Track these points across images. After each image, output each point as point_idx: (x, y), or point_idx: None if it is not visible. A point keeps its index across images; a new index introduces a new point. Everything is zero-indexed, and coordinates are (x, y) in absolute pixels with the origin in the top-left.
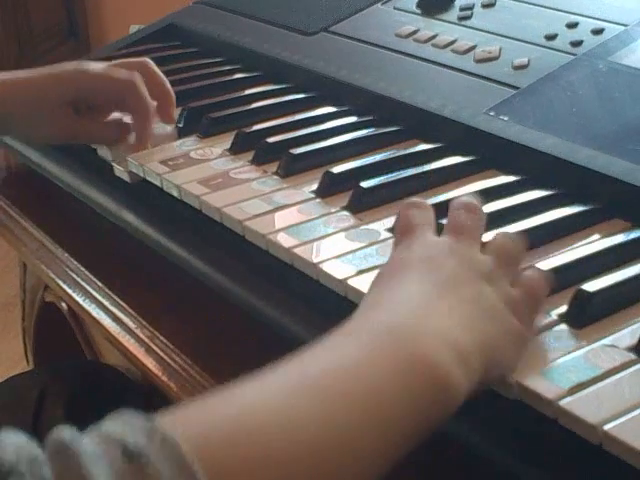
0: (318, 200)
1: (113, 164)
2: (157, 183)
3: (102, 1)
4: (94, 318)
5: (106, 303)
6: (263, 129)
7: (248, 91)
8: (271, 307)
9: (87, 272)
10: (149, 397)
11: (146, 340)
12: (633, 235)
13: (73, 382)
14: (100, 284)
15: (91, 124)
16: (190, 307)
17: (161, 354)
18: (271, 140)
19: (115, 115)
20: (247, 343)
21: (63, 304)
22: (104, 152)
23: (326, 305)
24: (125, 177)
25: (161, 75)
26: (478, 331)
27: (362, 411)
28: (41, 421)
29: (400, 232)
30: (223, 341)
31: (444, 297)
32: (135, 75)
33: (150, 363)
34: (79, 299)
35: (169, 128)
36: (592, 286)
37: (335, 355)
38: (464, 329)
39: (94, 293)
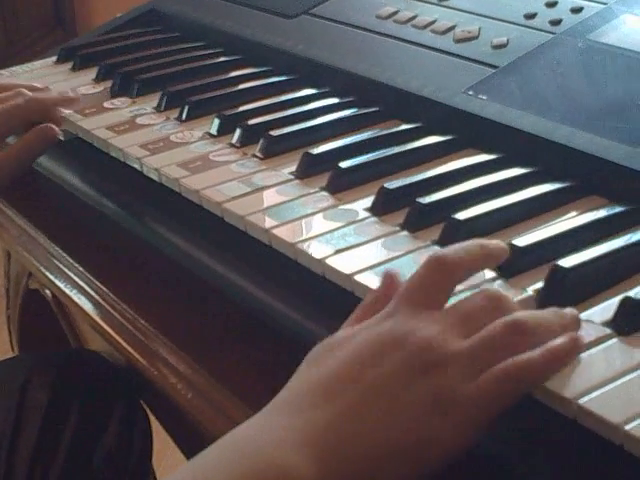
0: (297, 181)
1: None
2: (137, 166)
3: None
4: (75, 303)
5: (87, 288)
6: (243, 112)
7: (229, 74)
8: (251, 288)
9: (68, 258)
10: (132, 382)
11: (126, 324)
12: (610, 211)
13: (57, 368)
14: (81, 269)
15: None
16: (171, 291)
17: (142, 338)
18: (251, 122)
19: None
20: (228, 325)
21: (47, 291)
22: None
23: (306, 285)
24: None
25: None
26: (339, 453)
27: None
28: (25, 407)
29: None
30: (204, 324)
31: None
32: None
33: (131, 347)
34: (60, 284)
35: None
36: (568, 262)
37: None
38: (310, 448)
39: (75, 278)
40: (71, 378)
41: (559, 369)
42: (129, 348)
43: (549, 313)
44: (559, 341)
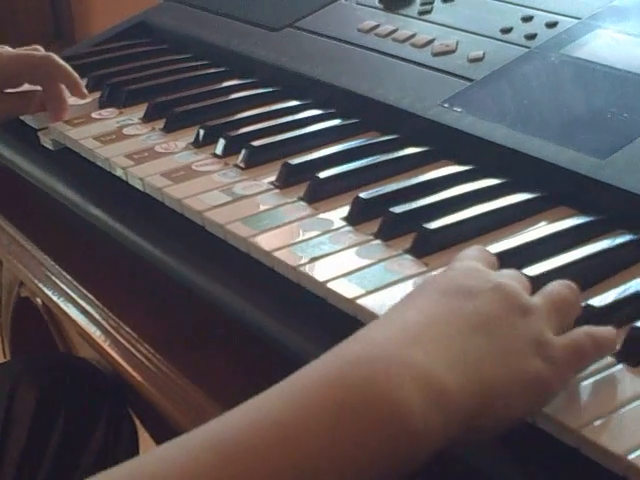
0: (277, 191)
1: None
2: (122, 176)
3: (89, 3)
4: (63, 311)
5: (74, 296)
6: (226, 123)
7: (214, 86)
8: (233, 297)
9: (57, 266)
10: (119, 389)
11: (112, 331)
12: (578, 221)
13: (45, 374)
14: (69, 277)
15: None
16: (158, 300)
17: (126, 345)
18: (234, 133)
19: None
20: (212, 334)
21: (38, 299)
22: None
23: (282, 292)
24: (48, 145)
25: (64, 63)
26: (476, 371)
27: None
28: (13, 411)
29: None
30: (188, 332)
31: (452, 324)
32: (49, 53)
33: (115, 354)
34: (49, 293)
35: (85, 101)
36: (533, 270)
37: (262, 413)
38: (454, 365)
39: (63, 286)
40: (59, 383)
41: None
42: (115, 355)
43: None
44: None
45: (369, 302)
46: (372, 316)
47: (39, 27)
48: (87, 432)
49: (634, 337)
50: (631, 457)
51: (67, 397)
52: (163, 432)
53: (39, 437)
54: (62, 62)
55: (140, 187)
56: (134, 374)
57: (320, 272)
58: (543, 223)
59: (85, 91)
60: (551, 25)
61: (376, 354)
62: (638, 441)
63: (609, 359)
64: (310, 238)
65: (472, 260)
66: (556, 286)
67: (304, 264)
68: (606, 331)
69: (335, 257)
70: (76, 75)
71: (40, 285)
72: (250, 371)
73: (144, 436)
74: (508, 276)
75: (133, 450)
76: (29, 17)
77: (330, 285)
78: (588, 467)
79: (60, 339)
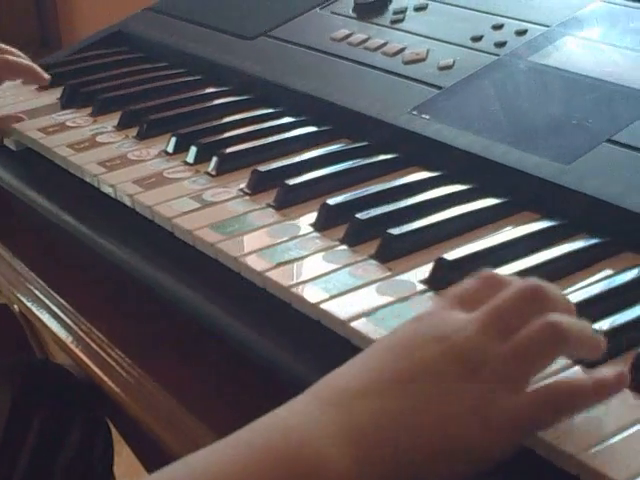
0: (246, 197)
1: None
2: (94, 184)
3: (75, 11)
4: (36, 316)
5: (46, 300)
6: (198, 130)
7: (188, 94)
8: (202, 301)
9: (30, 272)
10: (94, 395)
11: (83, 336)
12: (540, 226)
13: (20, 379)
14: (41, 282)
15: None
16: (128, 304)
17: (97, 350)
18: (205, 141)
19: None
20: (183, 338)
21: (15, 306)
22: None
23: (250, 297)
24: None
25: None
26: (389, 442)
27: None
28: None
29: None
30: (159, 337)
31: (384, 384)
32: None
33: (87, 358)
34: (24, 299)
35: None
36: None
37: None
38: (360, 438)
39: (36, 292)
40: (34, 388)
41: (604, 399)
42: (87, 360)
43: (583, 322)
44: (610, 374)
45: (332, 307)
46: (335, 321)
47: (24, 35)
48: (61, 437)
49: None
50: None
51: (41, 402)
52: (137, 437)
53: (13, 441)
54: (12, 58)
55: (112, 194)
56: (105, 379)
57: (285, 277)
58: (507, 228)
59: (44, 75)
60: (521, 33)
61: (300, 422)
62: (636, 468)
63: None
64: (277, 244)
65: (447, 301)
66: (537, 327)
67: (270, 269)
68: (586, 379)
69: (301, 262)
70: (28, 64)
71: (14, 291)
72: (220, 376)
73: (120, 442)
74: (479, 322)
75: (107, 455)
76: (14, 25)
77: (294, 290)
78: None
79: (37, 345)
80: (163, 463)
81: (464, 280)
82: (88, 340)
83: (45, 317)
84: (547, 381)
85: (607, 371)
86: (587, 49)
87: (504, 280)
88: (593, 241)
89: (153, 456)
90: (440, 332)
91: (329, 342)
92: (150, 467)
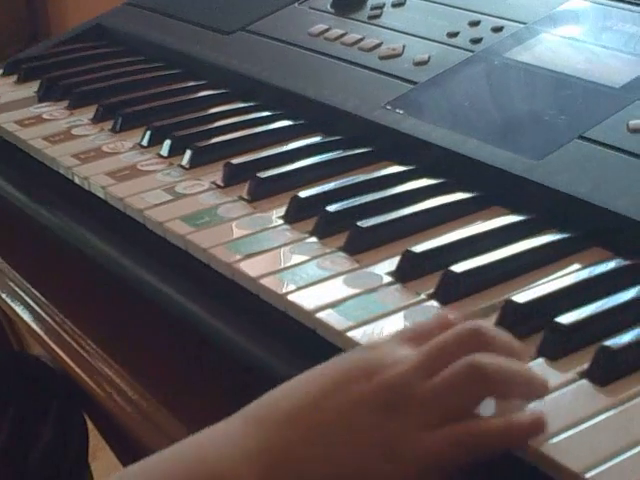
0: (218, 190)
1: None
2: (68, 175)
3: (65, 7)
4: (10, 307)
5: (20, 292)
6: (173, 124)
7: (164, 88)
8: (172, 292)
9: (4, 264)
10: (71, 387)
11: (56, 327)
12: (509, 220)
13: None
14: (17, 276)
15: None
16: (101, 295)
17: (70, 341)
18: (179, 134)
19: None
20: (157, 330)
21: None
22: None
23: (217, 288)
24: None
25: None
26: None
27: None
28: None
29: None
30: (132, 329)
31: (302, 418)
32: None
33: (64, 353)
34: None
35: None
36: (460, 267)
37: None
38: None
39: (10, 284)
40: (9, 379)
41: (516, 444)
42: (62, 354)
43: (518, 365)
44: (525, 418)
45: (299, 298)
46: (301, 311)
47: (13, 31)
48: (35, 428)
49: (604, 357)
50: (588, 475)
51: (16, 393)
52: (112, 430)
53: None
54: None
55: (85, 186)
56: (78, 371)
57: (253, 269)
58: (477, 222)
59: None
60: (497, 30)
61: (223, 435)
62: (596, 459)
63: (574, 375)
64: (246, 235)
65: (400, 336)
66: (458, 366)
67: (238, 260)
68: (499, 422)
69: (269, 254)
70: None
71: None
72: (187, 365)
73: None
74: (413, 360)
75: (82, 448)
76: (3, 20)
77: (262, 281)
78: None
79: (14, 337)
80: (138, 458)
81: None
82: (61, 332)
83: (19, 309)
84: (463, 422)
85: (523, 415)
86: (562, 46)
87: (455, 322)
88: (562, 236)
89: (128, 448)
90: (375, 368)
91: (299, 333)
92: (126, 461)
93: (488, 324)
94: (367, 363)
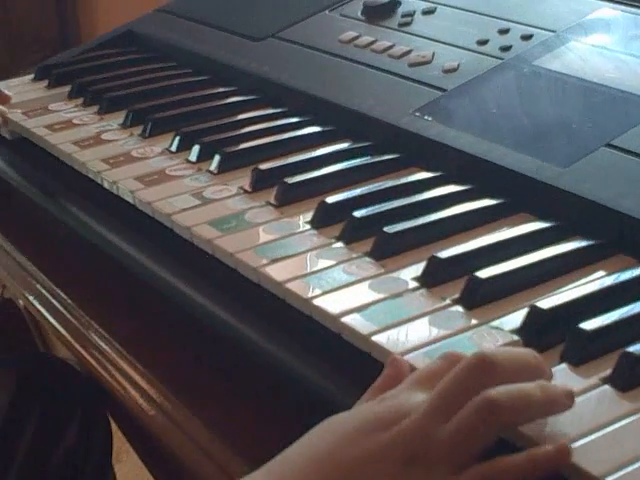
0: (246, 195)
1: None
2: (97, 180)
3: (95, 12)
4: (37, 309)
5: (47, 295)
6: (202, 129)
7: (194, 94)
8: (199, 297)
9: (33, 267)
10: (96, 390)
11: (83, 330)
12: (535, 227)
13: (21, 372)
14: (43, 277)
15: None
16: (128, 299)
17: (96, 344)
18: (208, 139)
19: None
20: (182, 333)
21: (20, 301)
22: None
23: (244, 292)
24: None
25: None
26: None
27: None
28: None
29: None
30: (158, 332)
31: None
32: None
33: (87, 353)
34: (26, 293)
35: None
36: (485, 273)
37: None
38: None
39: (38, 287)
40: (34, 381)
41: (543, 474)
42: (87, 356)
43: (533, 387)
44: (546, 449)
45: (324, 302)
46: (327, 316)
47: (43, 35)
48: (60, 430)
49: (627, 363)
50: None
51: (41, 395)
52: (136, 432)
53: (11, 432)
54: None
55: (114, 190)
56: (103, 373)
57: (279, 273)
58: (503, 228)
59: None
60: (526, 37)
61: None
62: (616, 463)
63: (596, 380)
64: (273, 240)
65: (413, 381)
66: (471, 407)
67: (264, 265)
68: (521, 456)
69: (295, 259)
70: None
71: (18, 286)
72: (212, 368)
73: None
74: (426, 404)
75: (106, 450)
76: (33, 25)
77: (288, 285)
78: None
79: (40, 339)
80: (162, 460)
81: (432, 361)
82: (87, 334)
83: (46, 311)
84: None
85: (547, 447)
86: (591, 55)
87: (463, 358)
88: (587, 243)
89: (152, 450)
90: (391, 418)
91: (325, 337)
92: (150, 463)
93: (496, 350)
94: (383, 413)
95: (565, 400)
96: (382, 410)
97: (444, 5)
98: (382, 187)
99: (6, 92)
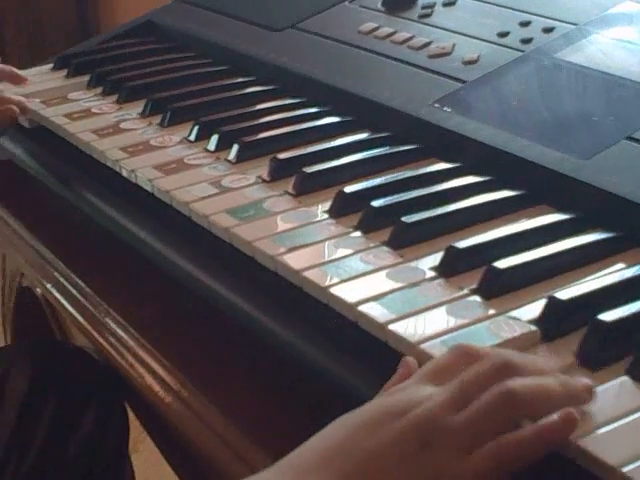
0: (264, 184)
1: None
2: (116, 168)
3: (115, 9)
4: (54, 297)
5: (65, 283)
6: (221, 119)
7: (213, 84)
8: (217, 285)
9: (51, 254)
10: (113, 378)
11: (100, 318)
12: (554, 219)
13: (39, 359)
14: (62, 265)
15: None
16: (145, 286)
17: (113, 332)
18: (226, 129)
19: None
20: (199, 321)
21: (38, 289)
22: None
23: (262, 279)
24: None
25: None
26: None
27: None
28: (4, 396)
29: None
30: (175, 320)
31: (337, 462)
32: None
33: (104, 340)
34: (44, 281)
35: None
36: (503, 263)
37: None
38: None
39: (55, 274)
40: (52, 369)
41: (553, 446)
42: (105, 344)
43: (553, 381)
44: (552, 419)
45: (342, 291)
46: (344, 304)
47: (64, 29)
48: (77, 418)
49: None
50: (626, 469)
51: (59, 382)
52: (154, 420)
53: (29, 420)
54: None
55: (132, 179)
56: (120, 361)
57: (296, 261)
58: (522, 220)
59: (22, 76)
60: (548, 30)
61: None
62: (634, 454)
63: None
64: (290, 229)
65: (421, 376)
66: (489, 395)
67: (282, 253)
68: (527, 430)
69: (313, 248)
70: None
71: (36, 274)
72: (229, 355)
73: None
74: (441, 395)
75: (123, 438)
76: (54, 18)
77: (305, 274)
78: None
79: (57, 327)
80: (179, 448)
81: (440, 355)
82: (104, 322)
83: (63, 299)
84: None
85: (553, 417)
86: (613, 48)
87: (478, 353)
88: (607, 235)
89: (170, 439)
90: (402, 408)
91: (341, 325)
92: (167, 451)
93: (515, 353)
94: (393, 405)
95: (585, 395)
96: (392, 402)
97: None
98: (400, 177)
99: (22, 74)
